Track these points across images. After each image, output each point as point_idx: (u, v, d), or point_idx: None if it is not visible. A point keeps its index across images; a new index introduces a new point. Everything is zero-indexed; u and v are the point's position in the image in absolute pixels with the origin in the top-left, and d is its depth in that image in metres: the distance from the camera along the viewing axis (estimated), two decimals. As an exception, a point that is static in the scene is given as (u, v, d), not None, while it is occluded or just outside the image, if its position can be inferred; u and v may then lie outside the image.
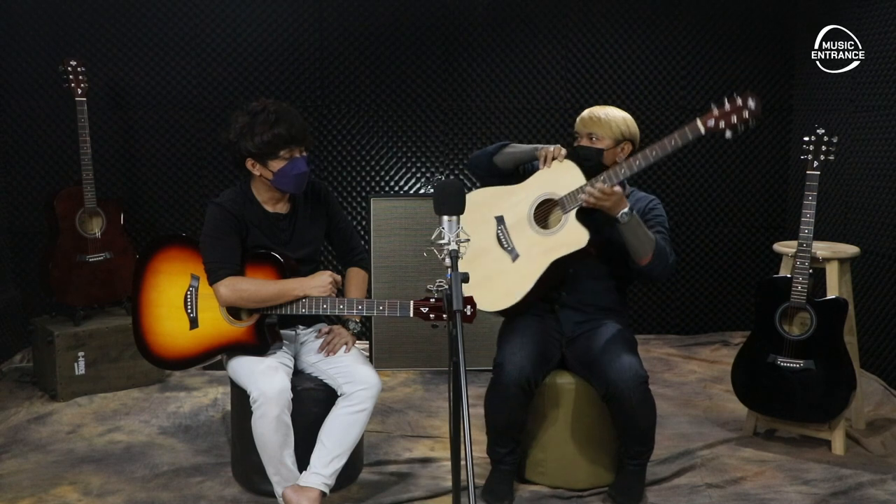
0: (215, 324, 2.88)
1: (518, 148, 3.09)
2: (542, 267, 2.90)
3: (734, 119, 2.68)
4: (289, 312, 2.82)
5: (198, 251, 2.88)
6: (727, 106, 2.70)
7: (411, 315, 2.69)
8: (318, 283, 2.80)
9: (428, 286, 2.26)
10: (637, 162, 2.81)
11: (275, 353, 2.88)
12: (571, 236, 2.87)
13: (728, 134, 2.69)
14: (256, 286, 2.79)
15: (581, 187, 2.85)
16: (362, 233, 4.79)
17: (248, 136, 2.78)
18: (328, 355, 2.92)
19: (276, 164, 2.81)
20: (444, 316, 2.53)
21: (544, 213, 3.00)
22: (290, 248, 2.94)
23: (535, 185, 3.01)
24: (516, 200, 3.04)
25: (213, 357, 2.92)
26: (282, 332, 2.94)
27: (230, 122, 2.85)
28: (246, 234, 2.88)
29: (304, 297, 2.79)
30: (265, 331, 2.83)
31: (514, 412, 2.90)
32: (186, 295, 2.91)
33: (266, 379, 2.71)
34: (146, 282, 2.96)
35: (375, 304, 2.77)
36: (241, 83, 4.80)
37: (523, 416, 2.94)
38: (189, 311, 2.90)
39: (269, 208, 2.93)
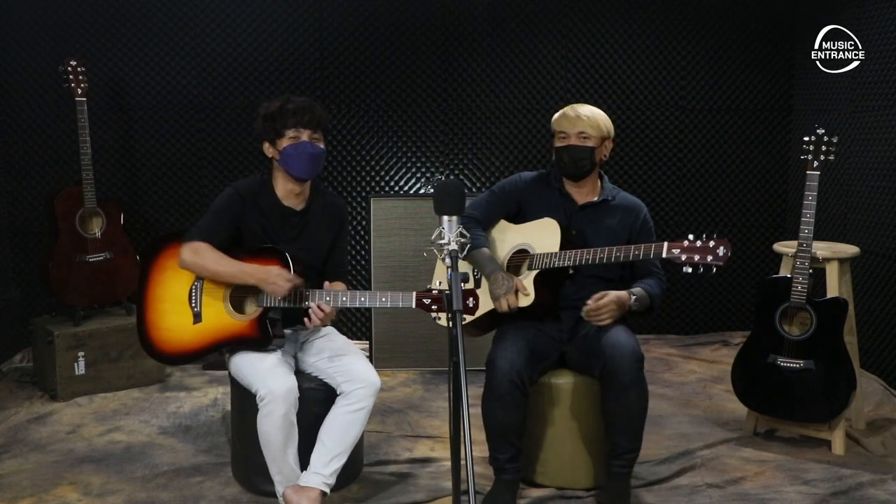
0: (218, 317, 2.88)
1: (481, 260, 3.04)
2: (486, 307, 2.99)
3: (697, 258, 2.70)
4: (290, 305, 2.81)
5: None
6: (699, 243, 2.71)
7: (413, 306, 2.65)
8: (279, 282, 2.75)
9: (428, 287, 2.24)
10: (599, 256, 2.85)
11: (275, 350, 2.87)
12: (522, 295, 2.96)
13: (687, 269, 2.71)
14: (216, 258, 2.82)
15: (554, 257, 2.91)
16: (362, 233, 4.79)
17: (261, 115, 2.89)
18: (311, 326, 2.85)
19: (282, 143, 2.86)
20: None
21: (519, 260, 3.05)
22: (297, 245, 2.94)
23: (520, 234, 3.08)
24: (502, 238, 3.13)
25: (215, 351, 2.92)
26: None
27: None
28: (253, 224, 2.90)
29: (257, 287, 2.80)
30: (267, 324, 2.83)
31: (508, 410, 2.84)
32: (191, 289, 2.91)
33: (274, 377, 2.71)
34: (152, 278, 2.97)
35: (378, 295, 2.75)
36: (241, 83, 4.80)
37: (519, 416, 2.87)
38: (193, 305, 2.91)
39: (284, 202, 2.95)
